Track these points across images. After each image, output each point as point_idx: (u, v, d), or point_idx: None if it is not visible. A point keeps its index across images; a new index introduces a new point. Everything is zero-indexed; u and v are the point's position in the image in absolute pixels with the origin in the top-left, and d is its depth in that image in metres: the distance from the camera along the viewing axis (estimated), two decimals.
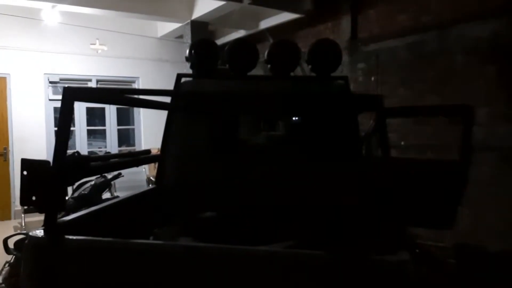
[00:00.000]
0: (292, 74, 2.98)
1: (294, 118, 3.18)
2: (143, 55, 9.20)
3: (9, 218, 7.82)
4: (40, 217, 1.64)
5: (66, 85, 8.43)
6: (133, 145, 9.51)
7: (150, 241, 2.24)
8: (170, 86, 3.03)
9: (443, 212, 2.31)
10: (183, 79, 3.04)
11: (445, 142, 4.64)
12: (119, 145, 9.30)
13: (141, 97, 2.71)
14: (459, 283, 3.39)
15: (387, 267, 1.43)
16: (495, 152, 4.57)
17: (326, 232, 2.28)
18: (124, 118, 9.58)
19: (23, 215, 7.05)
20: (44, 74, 8.20)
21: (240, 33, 8.59)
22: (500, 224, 4.45)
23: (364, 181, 2.45)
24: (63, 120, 1.71)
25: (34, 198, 1.66)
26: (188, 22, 7.88)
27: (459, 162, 2.26)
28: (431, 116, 4.58)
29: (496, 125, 4.61)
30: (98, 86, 8.78)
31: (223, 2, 6.78)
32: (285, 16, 7.48)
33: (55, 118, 8.27)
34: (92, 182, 5.05)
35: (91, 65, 8.60)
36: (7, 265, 3.36)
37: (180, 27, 8.23)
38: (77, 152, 2.09)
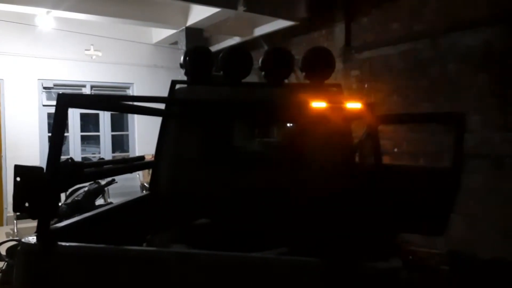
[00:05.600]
0: (286, 81, 3.00)
1: (287, 125, 3.19)
2: (138, 61, 9.20)
3: (1, 224, 7.75)
4: (33, 223, 1.64)
5: (60, 91, 8.37)
6: (127, 151, 9.48)
7: (144, 247, 2.23)
8: (165, 93, 3.04)
9: (436, 219, 2.33)
10: (177, 86, 3.05)
11: (438, 149, 4.69)
12: (113, 151, 9.26)
13: (136, 103, 2.71)
14: None
15: (380, 274, 1.44)
16: (487, 159, 4.61)
17: (319, 239, 2.29)
18: (118, 124, 9.54)
19: (15, 221, 6.96)
20: (38, 79, 8.17)
21: (235, 40, 8.64)
22: (492, 231, 4.48)
23: (357, 188, 2.46)
24: (57, 127, 1.71)
25: (27, 204, 1.65)
26: (183, 29, 7.90)
27: (452, 169, 2.29)
28: (424, 123, 4.61)
29: (488, 132, 4.66)
30: (92, 92, 8.77)
31: (218, 9, 6.81)
32: (280, 24, 7.53)
33: (49, 124, 8.23)
34: (86, 188, 5.01)
35: (86, 71, 8.58)
36: None
37: (175, 33, 8.25)
38: (71, 158, 2.08)
